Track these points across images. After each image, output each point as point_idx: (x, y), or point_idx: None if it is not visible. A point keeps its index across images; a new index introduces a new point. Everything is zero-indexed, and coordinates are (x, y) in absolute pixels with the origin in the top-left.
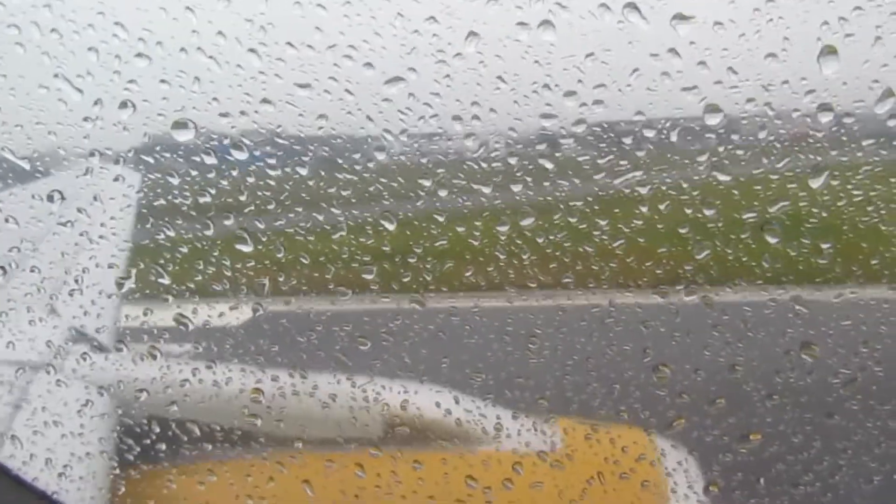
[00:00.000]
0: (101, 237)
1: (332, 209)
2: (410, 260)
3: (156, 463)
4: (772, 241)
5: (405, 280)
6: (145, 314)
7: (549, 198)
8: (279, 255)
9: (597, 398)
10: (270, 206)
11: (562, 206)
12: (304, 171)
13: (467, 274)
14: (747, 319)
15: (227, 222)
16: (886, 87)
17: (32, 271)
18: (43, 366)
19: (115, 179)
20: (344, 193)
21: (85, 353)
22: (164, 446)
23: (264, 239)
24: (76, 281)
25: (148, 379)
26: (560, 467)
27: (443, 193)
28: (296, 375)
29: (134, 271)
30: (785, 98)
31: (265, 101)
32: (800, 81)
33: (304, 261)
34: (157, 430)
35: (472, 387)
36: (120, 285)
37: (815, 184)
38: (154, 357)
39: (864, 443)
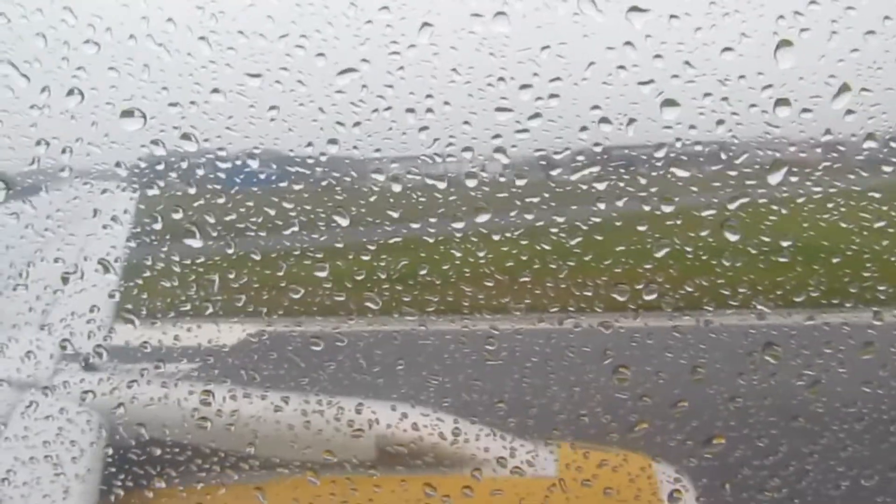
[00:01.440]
0: (90, 255)
1: (284, 203)
2: (364, 258)
3: (104, 471)
4: (732, 238)
5: (359, 278)
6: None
7: (505, 194)
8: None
9: (556, 402)
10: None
11: (517, 203)
12: (254, 164)
13: (422, 273)
14: (708, 319)
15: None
16: (843, 82)
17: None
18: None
19: (108, 195)
20: (295, 188)
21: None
22: (110, 451)
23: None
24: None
25: (94, 381)
26: (521, 474)
27: (396, 188)
28: (247, 377)
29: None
30: (742, 93)
31: (215, 90)
32: (757, 76)
33: (255, 257)
34: (105, 434)
35: (428, 390)
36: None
37: (774, 179)
38: (100, 357)
39: (831, 446)
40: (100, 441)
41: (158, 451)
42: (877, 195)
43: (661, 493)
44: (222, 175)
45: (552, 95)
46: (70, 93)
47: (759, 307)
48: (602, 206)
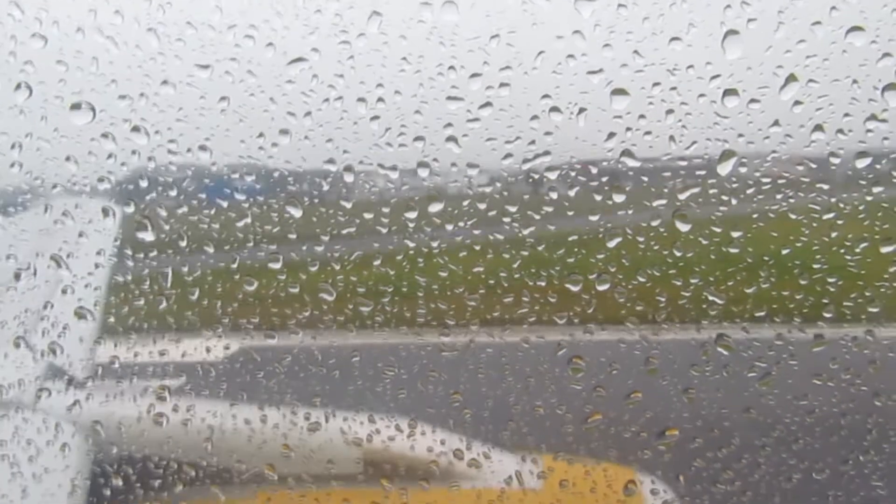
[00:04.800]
0: (75, 274)
1: (236, 195)
2: (317, 248)
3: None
4: (683, 228)
5: (313, 269)
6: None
7: (458, 183)
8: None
9: (511, 393)
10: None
11: (470, 192)
12: (206, 156)
13: (376, 263)
14: (660, 310)
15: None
16: (790, 72)
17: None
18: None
19: (93, 214)
20: (248, 179)
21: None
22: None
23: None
24: (48, 317)
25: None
26: (477, 467)
27: (349, 178)
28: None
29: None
30: (691, 83)
31: (165, 82)
32: (705, 66)
33: (208, 249)
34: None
35: (384, 382)
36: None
37: (724, 170)
38: (55, 354)
39: (783, 439)
40: (57, 440)
41: (115, 449)
42: (825, 186)
43: (617, 488)
44: (174, 168)
45: (502, 84)
46: (18, 87)
47: (712, 298)
48: (554, 195)
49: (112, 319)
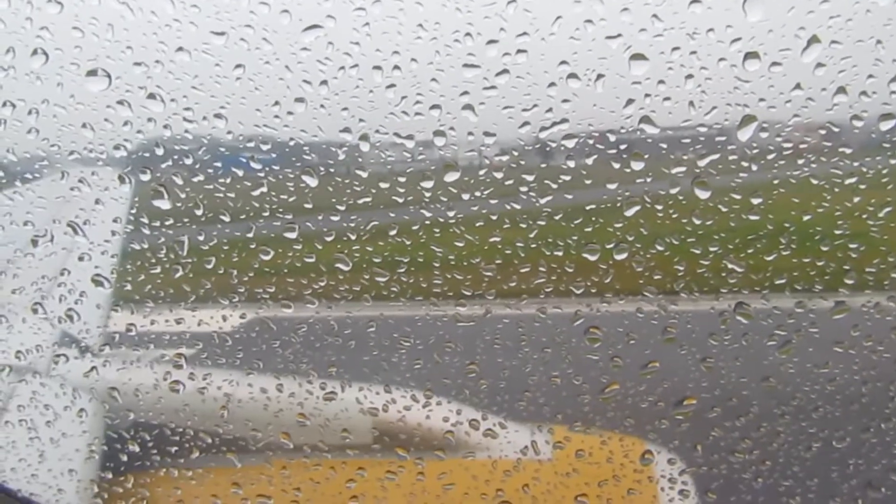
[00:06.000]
0: (91, 241)
1: (252, 163)
2: (333, 218)
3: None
4: (702, 195)
5: (329, 239)
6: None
7: (474, 152)
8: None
9: (528, 363)
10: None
11: (487, 161)
12: (221, 125)
13: (392, 233)
14: (678, 279)
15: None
16: (812, 34)
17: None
18: (27, 368)
19: (109, 182)
20: (263, 147)
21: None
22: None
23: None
24: (64, 283)
25: (68, 345)
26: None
27: (364, 147)
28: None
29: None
30: (711, 46)
31: (180, 49)
32: (725, 29)
33: (224, 219)
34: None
35: (400, 353)
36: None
37: (744, 135)
38: (72, 321)
39: (802, 407)
40: (74, 405)
41: (131, 415)
42: (847, 151)
43: (633, 457)
44: (189, 136)
45: (519, 51)
46: (34, 53)
47: (731, 266)
48: (571, 164)
49: (129, 287)
